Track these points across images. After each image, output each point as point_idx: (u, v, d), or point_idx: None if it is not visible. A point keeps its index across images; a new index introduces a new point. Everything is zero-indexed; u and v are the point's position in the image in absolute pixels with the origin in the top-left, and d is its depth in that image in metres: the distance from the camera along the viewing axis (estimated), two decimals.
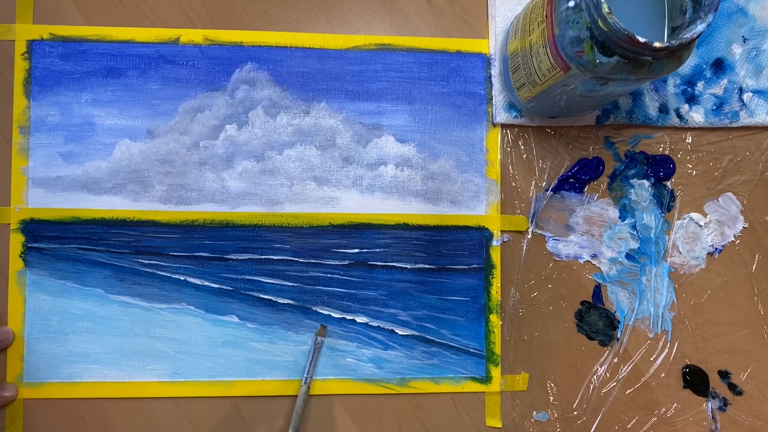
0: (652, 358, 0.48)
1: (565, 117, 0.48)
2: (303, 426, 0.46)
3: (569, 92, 0.41)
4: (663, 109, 0.48)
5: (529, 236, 0.48)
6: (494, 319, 0.47)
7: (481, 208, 0.48)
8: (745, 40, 0.49)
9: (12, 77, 0.45)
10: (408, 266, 0.47)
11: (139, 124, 0.46)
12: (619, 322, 0.48)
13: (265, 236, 0.46)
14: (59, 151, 0.45)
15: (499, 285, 0.47)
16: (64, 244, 0.45)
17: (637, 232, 0.48)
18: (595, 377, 0.47)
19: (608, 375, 0.47)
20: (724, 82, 0.49)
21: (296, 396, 0.45)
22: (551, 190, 0.48)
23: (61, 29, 0.46)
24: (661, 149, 0.49)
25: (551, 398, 0.47)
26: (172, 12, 0.47)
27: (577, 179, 0.48)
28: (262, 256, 0.46)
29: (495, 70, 0.48)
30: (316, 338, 0.45)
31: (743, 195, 0.49)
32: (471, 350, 0.47)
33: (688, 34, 0.34)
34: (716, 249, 0.49)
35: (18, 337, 0.45)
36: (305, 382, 0.44)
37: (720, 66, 0.49)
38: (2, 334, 0.44)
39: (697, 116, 0.48)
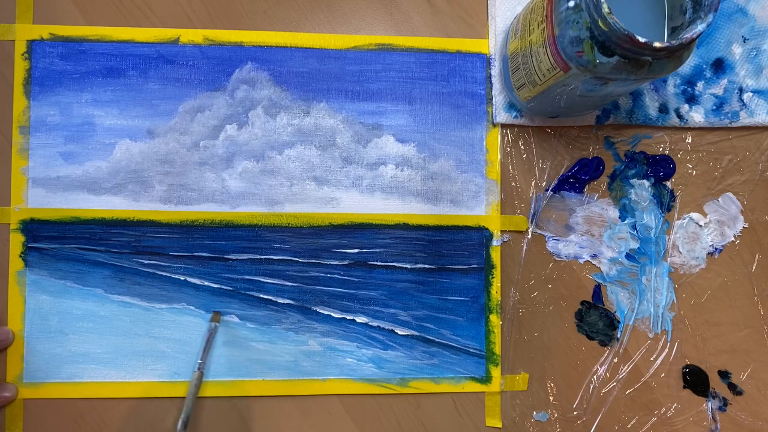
0: (652, 358, 0.48)
1: (565, 117, 0.48)
2: (304, 426, 0.46)
3: (569, 92, 0.41)
4: (663, 109, 0.48)
5: (529, 236, 0.48)
6: (494, 319, 0.47)
7: (481, 208, 0.48)
8: (745, 40, 0.49)
9: (12, 77, 0.45)
10: (408, 266, 0.47)
11: (139, 124, 0.46)
12: (619, 322, 0.48)
13: (265, 236, 0.46)
14: (59, 151, 0.45)
15: (499, 285, 0.47)
16: (64, 244, 0.45)
17: (637, 232, 0.48)
18: (595, 377, 0.47)
19: (608, 375, 0.47)
20: (724, 82, 0.49)
21: (296, 396, 0.45)
22: (551, 190, 0.48)
23: (61, 29, 0.46)
24: (661, 149, 0.49)
25: (551, 398, 0.47)
26: (172, 12, 0.47)
27: (577, 179, 0.48)
28: (262, 256, 0.46)
29: (495, 70, 0.48)
30: (210, 325, 0.44)
31: (743, 195, 0.49)
32: (471, 350, 0.47)
33: (688, 34, 0.34)
34: (716, 249, 0.49)
35: (18, 337, 0.45)
36: (198, 368, 0.43)
37: (720, 66, 0.49)
38: (2, 334, 0.44)
39: (697, 116, 0.48)
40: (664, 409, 0.48)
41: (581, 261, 0.48)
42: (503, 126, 0.48)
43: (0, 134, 0.45)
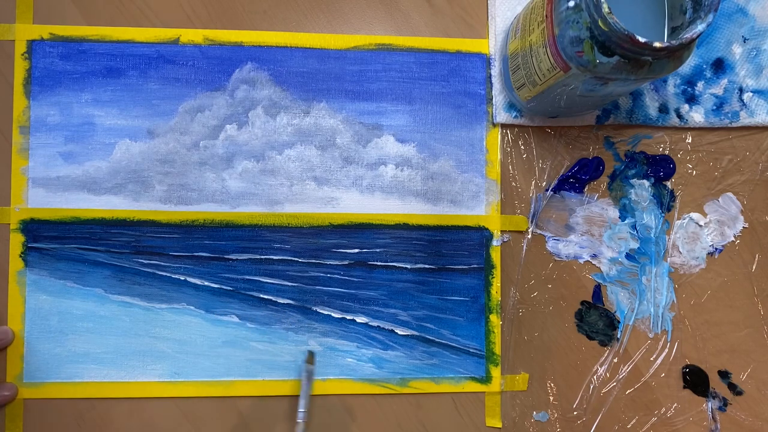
0: (652, 358, 0.48)
1: (565, 117, 0.48)
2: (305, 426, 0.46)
3: (569, 92, 0.41)
4: (663, 109, 0.48)
5: (529, 236, 0.48)
6: (494, 319, 0.47)
7: (481, 208, 0.48)
8: (745, 40, 0.49)
9: (12, 77, 0.45)
10: (408, 266, 0.47)
11: (139, 124, 0.46)
12: (619, 322, 0.48)
13: (265, 236, 0.46)
14: (59, 151, 0.45)
15: (499, 285, 0.47)
16: (64, 244, 0.45)
17: (637, 232, 0.48)
18: (595, 377, 0.47)
19: (608, 375, 0.47)
20: (724, 82, 0.49)
21: (295, 397, 0.45)
22: (551, 190, 0.48)
23: (61, 29, 0.46)
24: (661, 149, 0.49)
25: (551, 398, 0.47)
26: (172, 12, 0.47)
27: (577, 179, 0.48)
28: (262, 256, 0.46)
29: (495, 70, 0.48)
30: (306, 366, 0.43)
31: (743, 195, 0.49)
32: (471, 350, 0.47)
33: (688, 34, 0.34)
34: (716, 249, 0.49)
35: (18, 337, 0.44)
36: (301, 418, 0.41)
37: (720, 66, 0.49)
38: (1, 333, 0.44)
39: (697, 116, 0.48)
40: (664, 409, 0.48)
41: (581, 261, 0.48)
42: (503, 126, 0.48)
43: (0, 134, 0.45)
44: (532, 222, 0.48)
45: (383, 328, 0.46)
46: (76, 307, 0.45)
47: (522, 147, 0.48)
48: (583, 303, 0.48)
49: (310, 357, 0.44)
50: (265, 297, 0.46)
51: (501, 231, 0.47)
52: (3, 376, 0.44)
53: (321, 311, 0.46)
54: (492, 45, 0.48)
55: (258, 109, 0.47)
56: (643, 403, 0.47)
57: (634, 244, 0.48)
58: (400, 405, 0.46)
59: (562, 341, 0.47)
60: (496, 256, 0.47)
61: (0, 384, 0.44)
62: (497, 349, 0.47)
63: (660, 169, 0.49)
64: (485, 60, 0.48)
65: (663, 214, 0.48)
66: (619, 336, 0.48)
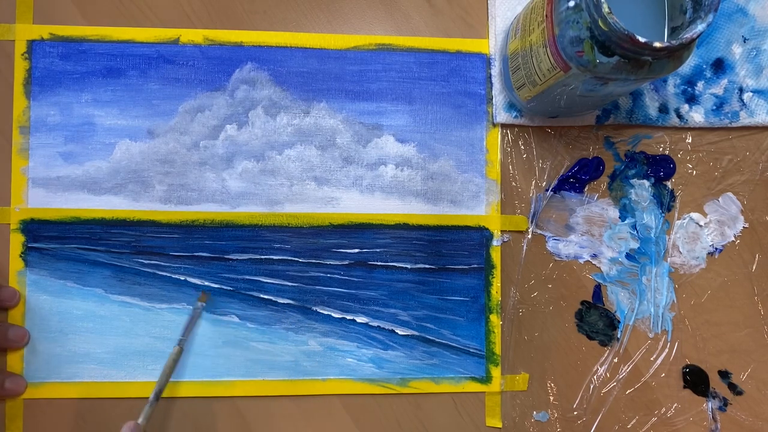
0: (652, 358, 0.48)
1: (565, 117, 0.48)
2: (304, 426, 0.46)
3: (569, 92, 0.41)
4: (663, 109, 0.48)
5: (529, 236, 0.48)
6: (494, 319, 0.47)
7: (481, 208, 0.48)
8: (745, 40, 0.49)
9: (12, 77, 0.45)
10: (408, 266, 0.47)
11: (139, 124, 0.46)
12: (619, 322, 0.48)
13: (265, 236, 0.46)
14: (59, 151, 0.45)
15: (499, 285, 0.47)
16: (64, 244, 0.45)
17: (637, 232, 0.48)
18: (595, 377, 0.47)
19: (608, 375, 0.47)
20: (724, 82, 0.49)
21: (296, 396, 0.45)
22: (551, 190, 0.48)
23: (61, 29, 0.46)
24: (661, 149, 0.49)
25: (551, 398, 0.47)
26: (172, 12, 0.47)
27: (577, 179, 0.48)
28: (262, 256, 0.46)
29: (495, 70, 0.48)
30: (197, 304, 0.45)
31: (743, 195, 0.49)
32: (471, 350, 0.47)
33: (688, 34, 0.34)
34: (716, 249, 0.49)
35: None
36: (178, 344, 0.44)
37: (720, 66, 0.49)
38: (18, 337, 0.44)
39: (697, 116, 0.48)
40: (664, 409, 0.48)
41: (581, 261, 0.48)
42: (503, 126, 0.48)
43: (0, 134, 0.45)
44: (532, 222, 0.48)
45: (383, 328, 0.46)
46: (77, 307, 0.45)
47: (522, 147, 0.48)
48: (583, 303, 0.48)
49: (203, 296, 0.45)
50: (265, 297, 0.46)
51: (501, 231, 0.47)
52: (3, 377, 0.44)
53: (321, 311, 0.46)
54: (492, 45, 0.48)
55: (258, 109, 0.47)
56: (643, 403, 0.47)
57: (634, 244, 0.48)
58: (400, 405, 0.46)
59: (562, 341, 0.47)
60: (496, 256, 0.47)
61: (9, 376, 0.43)
62: (497, 349, 0.47)
63: (660, 169, 0.49)
64: (485, 60, 0.48)
65: (663, 214, 0.48)
66: (619, 336, 0.48)
